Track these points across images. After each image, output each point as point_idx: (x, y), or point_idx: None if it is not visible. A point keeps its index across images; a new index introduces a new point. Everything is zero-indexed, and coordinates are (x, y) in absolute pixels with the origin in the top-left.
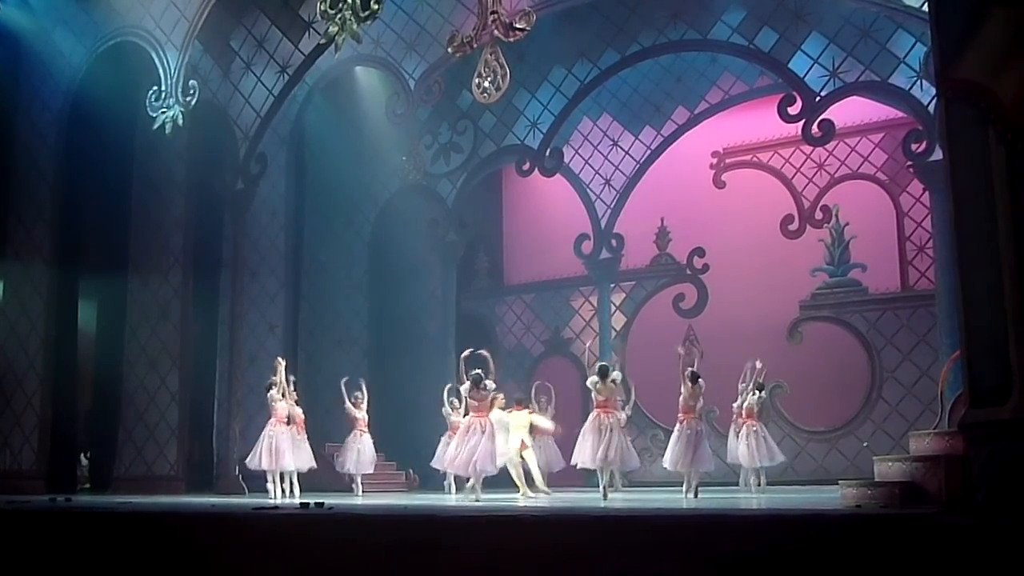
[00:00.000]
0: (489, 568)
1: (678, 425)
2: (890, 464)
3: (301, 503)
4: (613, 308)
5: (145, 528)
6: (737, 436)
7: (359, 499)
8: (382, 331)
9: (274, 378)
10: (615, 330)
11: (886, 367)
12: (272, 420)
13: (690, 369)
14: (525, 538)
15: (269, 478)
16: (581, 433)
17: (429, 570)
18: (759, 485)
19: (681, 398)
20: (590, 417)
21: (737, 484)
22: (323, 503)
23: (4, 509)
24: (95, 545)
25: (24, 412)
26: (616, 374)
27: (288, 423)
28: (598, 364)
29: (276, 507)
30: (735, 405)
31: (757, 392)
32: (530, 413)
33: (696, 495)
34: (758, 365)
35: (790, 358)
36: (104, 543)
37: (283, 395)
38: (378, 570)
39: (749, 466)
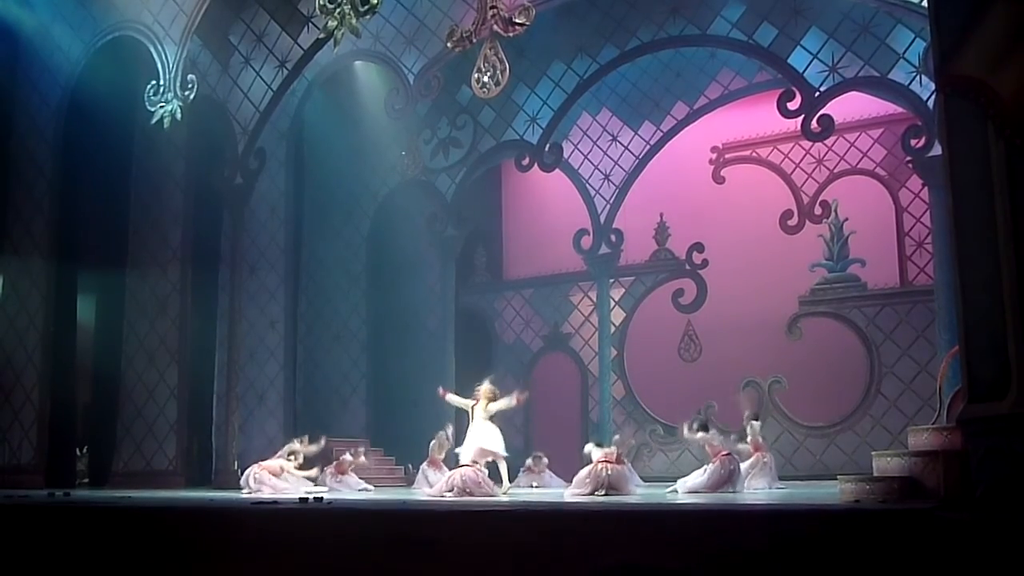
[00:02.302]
0: (486, 562)
1: (711, 464)
2: (888, 459)
3: (300, 498)
4: (612, 303)
5: (143, 523)
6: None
7: (357, 494)
8: (381, 326)
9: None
10: (614, 325)
11: (885, 362)
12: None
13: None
14: (523, 532)
15: None
16: (579, 476)
17: (427, 564)
18: None
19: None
20: (591, 466)
21: None
22: (321, 498)
23: (3, 503)
24: (94, 540)
25: (23, 407)
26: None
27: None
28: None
29: (274, 502)
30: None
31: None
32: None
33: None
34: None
35: (789, 353)
36: (103, 538)
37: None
38: (376, 565)
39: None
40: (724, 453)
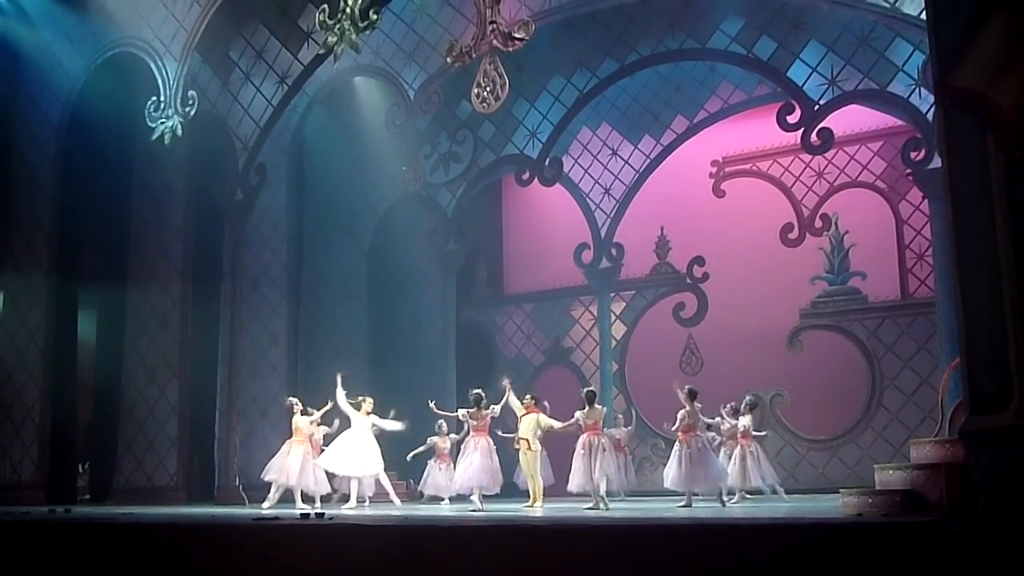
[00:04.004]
0: None
1: (677, 445)
2: (891, 472)
3: (301, 513)
4: (613, 317)
5: (145, 539)
6: (730, 457)
7: (360, 510)
8: (382, 341)
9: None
10: (615, 339)
11: (886, 375)
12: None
13: (688, 386)
14: (525, 548)
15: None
16: (573, 460)
17: None
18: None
19: (679, 417)
20: (580, 441)
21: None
22: (323, 513)
23: (4, 520)
24: (95, 556)
25: (23, 423)
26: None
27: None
28: (585, 390)
29: (276, 517)
30: (724, 428)
31: (745, 414)
32: (539, 415)
33: (690, 504)
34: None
35: (790, 366)
36: (104, 554)
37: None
38: None
39: (740, 487)
40: (690, 433)
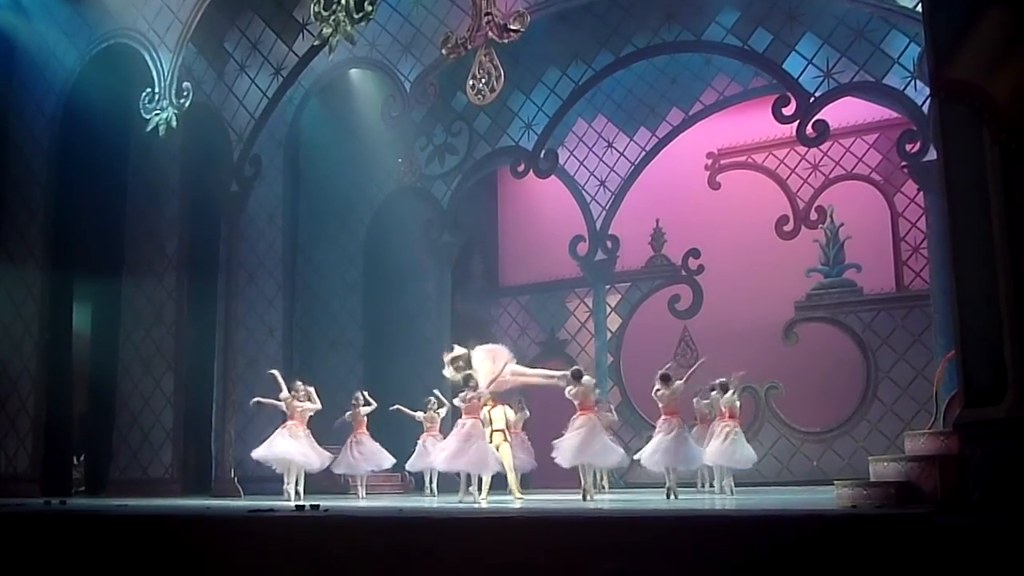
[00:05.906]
0: (484, 571)
1: (659, 425)
2: (885, 464)
3: (297, 505)
4: (608, 309)
5: (140, 531)
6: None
7: (355, 502)
8: (377, 333)
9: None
10: (610, 331)
11: (881, 367)
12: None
13: (660, 372)
14: (520, 540)
15: (285, 480)
16: (568, 435)
17: (424, 573)
18: (711, 485)
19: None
20: (572, 419)
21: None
22: (319, 506)
23: None
24: (90, 548)
25: (19, 415)
26: (587, 379)
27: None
28: (572, 368)
29: (271, 509)
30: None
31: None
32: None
33: (675, 496)
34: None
35: (785, 359)
36: (99, 546)
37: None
38: (374, 573)
39: (712, 464)
40: (670, 414)
